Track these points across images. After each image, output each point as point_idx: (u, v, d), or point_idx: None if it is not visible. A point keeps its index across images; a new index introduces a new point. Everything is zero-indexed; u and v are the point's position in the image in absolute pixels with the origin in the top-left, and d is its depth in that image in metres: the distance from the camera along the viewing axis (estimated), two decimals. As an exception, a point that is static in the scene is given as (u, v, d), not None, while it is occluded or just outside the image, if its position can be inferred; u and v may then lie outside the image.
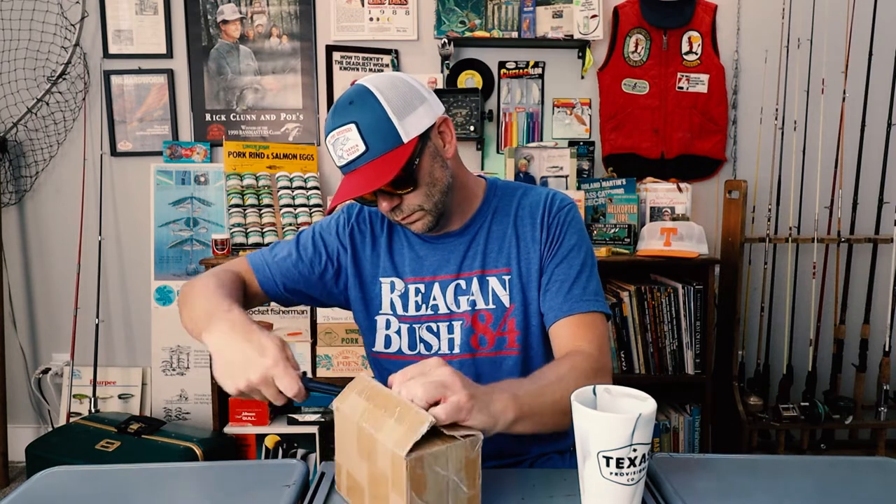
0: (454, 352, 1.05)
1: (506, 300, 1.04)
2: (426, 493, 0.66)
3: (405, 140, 0.92)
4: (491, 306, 1.04)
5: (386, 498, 0.69)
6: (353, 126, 0.91)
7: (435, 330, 1.05)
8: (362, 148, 0.91)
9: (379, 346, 1.08)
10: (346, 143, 0.92)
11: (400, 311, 1.06)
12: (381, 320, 1.07)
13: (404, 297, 1.06)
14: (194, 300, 0.95)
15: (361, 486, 0.75)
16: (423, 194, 0.97)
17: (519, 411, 0.77)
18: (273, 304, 2.36)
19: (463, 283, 1.05)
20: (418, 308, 1.05)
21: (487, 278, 1.04)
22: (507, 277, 1.04)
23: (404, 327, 1.06)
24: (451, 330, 1.05)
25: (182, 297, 1.00)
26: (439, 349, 1.05)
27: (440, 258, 1.06)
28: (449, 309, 1.05)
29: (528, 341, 1.05)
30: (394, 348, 1.07)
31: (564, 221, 1.05)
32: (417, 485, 0.65)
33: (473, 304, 1.04)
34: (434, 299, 1.05)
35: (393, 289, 1.07)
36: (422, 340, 1.06)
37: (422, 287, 1.06)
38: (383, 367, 1.10)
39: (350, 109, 0.92)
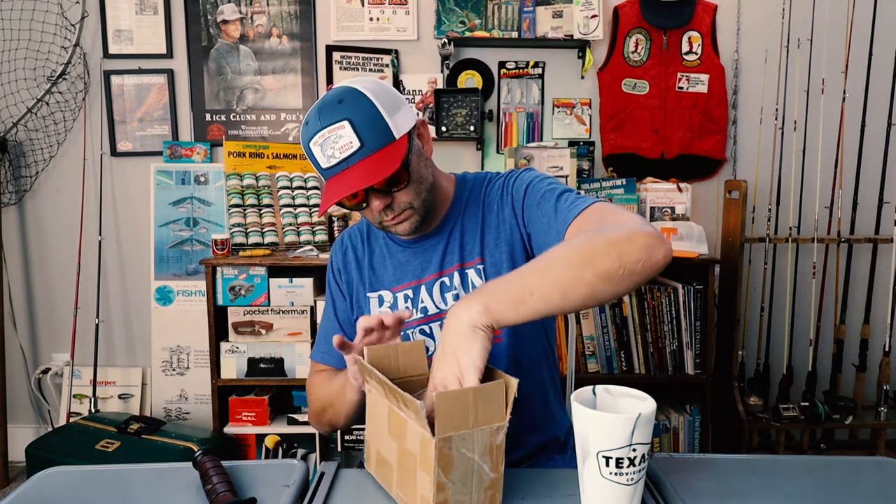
0: None
1: None
2: (452, 473, 0.71)
3: (397, 136, 0.93)
4: None
5: (413, 475, 0.73)
6: (346, 123, 0.90)
7: (428, 332, 1.06)
8: (357, 145, 0.90)
9: None
10: (339, 140, 0.90)
11: None
12: None
13: (393, 307, 1.07)
14: (319, 401, 1.10)
15: (390, 464, 0.79)
16: (413, 191, 0.97)
17: (492, 309, 0.76)
18: (272, 303, 2.35)
19: (446, 279, 1.06)
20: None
21: (466, 271, 1.05)
22: (481, 267, 1.04)
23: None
24: (442, 328, 1.05)
25: (313, 414, 1.15)
26: (434, 349, 1.05)
27: (422, 260, 1.07)
28: (438, 308, 1.05)
29: (513, 327, 1.00)
30: None
31: (519, 183, 1.04)
32: (445, 464, 0.70)
33: (458, 297, 1.04)
34: (422, 301, 1.06)
35: (381, 302, 1.09)
36: None
37: (410, 292, 1.07)
38: None
39: (340, 108, 0.91)
